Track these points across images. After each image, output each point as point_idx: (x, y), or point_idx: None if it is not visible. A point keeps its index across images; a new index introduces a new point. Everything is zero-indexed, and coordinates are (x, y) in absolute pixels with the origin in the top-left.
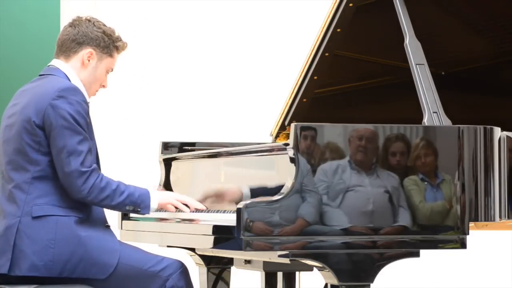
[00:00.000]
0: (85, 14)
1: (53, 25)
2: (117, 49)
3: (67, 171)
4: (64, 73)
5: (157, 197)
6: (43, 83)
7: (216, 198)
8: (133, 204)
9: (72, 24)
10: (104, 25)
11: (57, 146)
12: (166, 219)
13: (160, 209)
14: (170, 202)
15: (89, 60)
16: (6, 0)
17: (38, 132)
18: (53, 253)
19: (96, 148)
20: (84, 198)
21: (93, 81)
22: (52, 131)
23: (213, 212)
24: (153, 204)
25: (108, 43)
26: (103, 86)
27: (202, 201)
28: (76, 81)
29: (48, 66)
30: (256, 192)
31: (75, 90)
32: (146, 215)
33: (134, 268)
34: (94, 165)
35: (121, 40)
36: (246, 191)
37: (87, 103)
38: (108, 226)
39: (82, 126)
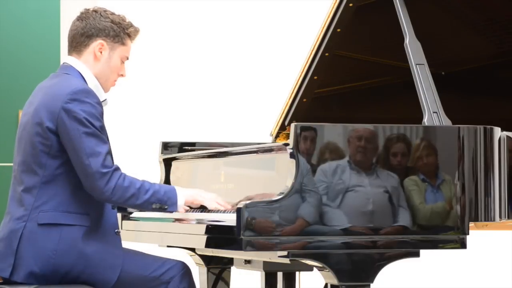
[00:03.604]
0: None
1: (53, 25)
2: (129, 36)
3: (89, 173)
4: (78, 72)
5: (184, 194)
6: (56, 84)
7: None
8: (159, 202)
9: (79, 18)
10: (113, 13)
11: (75, 149)
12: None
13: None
14: (196, 200)
15: (101, 52)
16: (6, 0)
17: (49, 136)
18: (53, 263)
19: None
20: (109, 199)
21: (109, 72)
22: (67, 135)
23: (213, 212)
24: (180, 201)
25: (118, 32)
26: (121, 75)
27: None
28: (91, 80)
29: (63, 63)
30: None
31: (88, 92)
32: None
33: (137, 275)
34: (116, 165)
35: (132, 26)
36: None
37: (100, 105)
38: (118, 233)
39: (97, 128)
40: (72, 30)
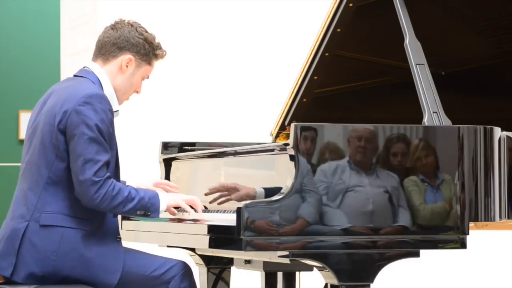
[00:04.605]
0: (127, 18)
1: (53, 25)
2: (156, 57)
3: (81, 179)
4: (98, 78)
5: (166, 199)
6: (72, 85)
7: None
8: (143, 209)
9: (114, 27)
10: (146, 31)
11: (75, 152)
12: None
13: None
14: (178, 204)
15: (127, 66)
16: (6, 0)
17: (58, 136)
18: (53, 265)
19: (117, 157)
20: (97, 206)
21: (129, 87)
22: (73, 136)
23: (213, 212)
24: (162, 207)
25: (148, 51)
26: (137, 91)
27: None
28: (108, 88)
29: (84, 67)
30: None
31: (102, 97)
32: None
33: (137, 274)
34: (108, 174)
35: (161, 48)
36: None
37: (112, 112)
38: (119, 239)
39: (104, 135)
40: (104, 37)
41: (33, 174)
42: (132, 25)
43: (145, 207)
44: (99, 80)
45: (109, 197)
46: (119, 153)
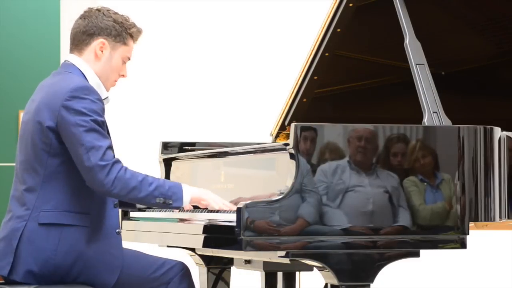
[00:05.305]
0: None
1: (53, 25)
2: (132, 36)
3: (88, 165)
4: (79, 70)
5: (190, 191)
6: (57, 82)
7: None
8: (163, 196)
9: (82, 16)
10: (116, 13)
11: (74, 144)
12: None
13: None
14: (202, 197)
15: (102, 51)
16: (6, 0)
17: (48, 134)
18: (53, 264)
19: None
20: (109, 191)
21: (110, 72)
22: (68, 131)
23: (213, 212)
24: (186, 197)
25: (120, 31)
26: (122, 75)
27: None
28: (92, 77)
29: (65, 61)
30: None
31: (88, 89)
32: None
33: (136, 275)
34: (116, 158)
35: (134, 26)
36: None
37: (101, 101)
38: (119, 233)
39: (99, 124)
40: (74, 28)
41: (29, 174)
42: (99, 10)
43: (164, 195)
44: (82, 72)
45: (121, 181)
46: (119, 152)
